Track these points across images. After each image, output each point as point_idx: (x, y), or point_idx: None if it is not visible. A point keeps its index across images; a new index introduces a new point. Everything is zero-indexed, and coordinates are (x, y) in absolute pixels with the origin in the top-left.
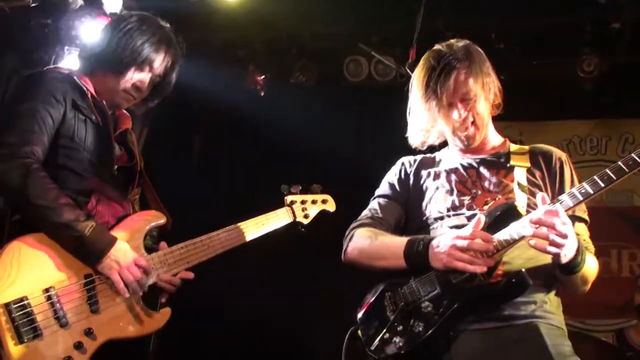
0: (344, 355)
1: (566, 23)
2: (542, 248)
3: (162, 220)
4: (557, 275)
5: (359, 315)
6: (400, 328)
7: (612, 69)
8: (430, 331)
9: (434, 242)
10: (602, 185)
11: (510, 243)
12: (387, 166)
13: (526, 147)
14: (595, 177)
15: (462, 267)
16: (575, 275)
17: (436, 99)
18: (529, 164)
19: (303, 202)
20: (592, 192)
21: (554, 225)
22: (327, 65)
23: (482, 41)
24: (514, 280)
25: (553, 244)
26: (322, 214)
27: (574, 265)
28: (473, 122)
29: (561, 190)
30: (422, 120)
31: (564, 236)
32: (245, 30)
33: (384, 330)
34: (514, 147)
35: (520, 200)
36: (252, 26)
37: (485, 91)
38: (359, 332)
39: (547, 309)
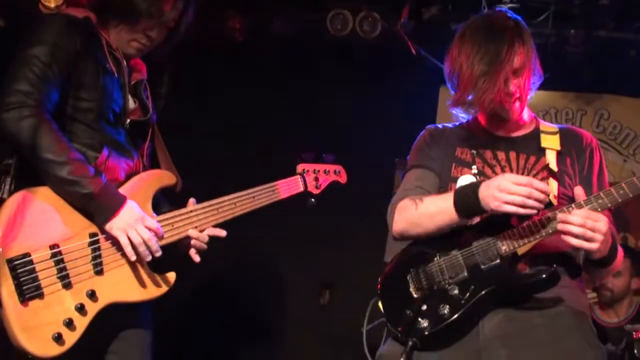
0: (366, 326)
1: None
2: (576, 245)
3: (172, 181)
4: (585, 266)
5: (380, 286)
6: (424, 308)
7: (597, 44)
8: (456, 315)
9: (484, 184)
10: None
11: (543, 236)
12: (365, 121)
13: (555, 128)
14: (635, 179)
15: (513, 211)
16: (605, 269)
17: (489, 72)
18: (559, 147)
19: (315, 172)
20: (631, 195)
21: (587, 225)
22: (310, 16)
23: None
24: (544, 276)
25: (587, 240)
26: (333, 185)
27: (606, 260)
28: (519, 97)
29: (588, 178)
30: (468, 93)
31: (600, 233)
32: None
33: (408, 309)
34: (543, 125)
35: (551, 188)
36: None
37: (534, 67)
38: (380, 304)
39: (576, 294)
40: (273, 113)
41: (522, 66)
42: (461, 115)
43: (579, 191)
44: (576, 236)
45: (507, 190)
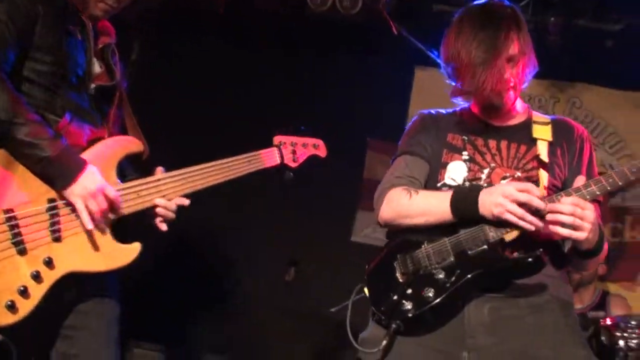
0: (349, 310)
1: None
2: (565, 235)
3: (139, 149)
4: (571, 257)
5: (367, 273)
6: (409, 292)
7: (577, 33)
8: (440, 298)
9: (486, 189)
10: (632, 178)
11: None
12: (339, 98)
13: (548, 119)
14: (624, 169)
15: (513, 221)
16: (590, 260)
17: (487, 59)
18: (550, 138)
19: (293, 144)
20: (620, 183)
21: (576, 213)
22: None
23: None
24: (529, 260)
25: (576, 229)
26: (312, 159)
27: (593, 251)
28: (514, 86)
29: (577, 169)
30: (468, 81)
31: (588, 222)
32: None
33: (393, 293)
34: (536, 115)
35: (541, 178)
36: None
37: (530, 57)
38: (365, 290)
39: (561, 284)
40: (249, 85)
41: (518, 54)
42: (460, 103)
43: (580, 181)
44: (565, 225)
45: (511, 197)
